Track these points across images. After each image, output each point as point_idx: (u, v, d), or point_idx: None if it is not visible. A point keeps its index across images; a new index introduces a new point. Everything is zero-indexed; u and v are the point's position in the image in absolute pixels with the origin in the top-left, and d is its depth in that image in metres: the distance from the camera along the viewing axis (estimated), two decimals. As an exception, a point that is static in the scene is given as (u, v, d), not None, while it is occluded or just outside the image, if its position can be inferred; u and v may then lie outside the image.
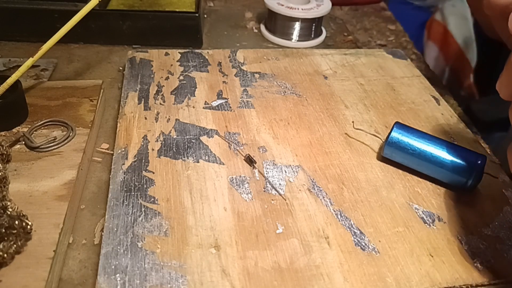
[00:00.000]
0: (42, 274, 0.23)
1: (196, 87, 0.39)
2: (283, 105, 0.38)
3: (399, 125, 0.31)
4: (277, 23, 0.51)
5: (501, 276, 0.25)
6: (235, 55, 0.44)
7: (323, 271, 0.24)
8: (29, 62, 0.32)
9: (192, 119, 0.35)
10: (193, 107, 0.36)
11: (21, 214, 0.24)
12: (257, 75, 0.41)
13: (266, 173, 0.31)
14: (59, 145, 0.31)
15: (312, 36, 0.52)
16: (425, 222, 0.28)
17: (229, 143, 0.33)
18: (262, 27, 0.53)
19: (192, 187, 0.29)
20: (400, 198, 0.30)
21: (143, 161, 0.31)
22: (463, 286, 0.25)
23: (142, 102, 0.36)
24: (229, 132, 0.34)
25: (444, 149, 0.30)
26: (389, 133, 0.31)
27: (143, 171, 0.30)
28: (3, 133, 0.32)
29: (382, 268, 0.25)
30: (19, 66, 0.33)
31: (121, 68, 0.44)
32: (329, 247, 0.26)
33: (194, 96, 0.38)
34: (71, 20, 0.33)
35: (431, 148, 0.30)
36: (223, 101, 0.37)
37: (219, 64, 0.43)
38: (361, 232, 0.27)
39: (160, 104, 0.36)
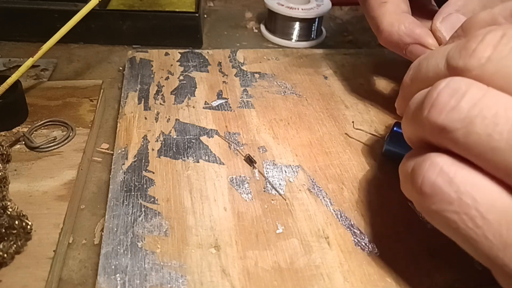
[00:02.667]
0: (42, 274, 0.23)
1: (196, 87, 0.39)
2: (283, 105, 0.38)
3: (399, 125, 0.31)
4: (277, 23, 0.51)
5: (501, 276, 0.25)
6: (235, 55, 0.44)
7: (323, 271, 0.24)
8: (29, 62, 0.32)
9: (192, 119, 0.35)
10: (193, 107, 0.36)
11: (21, 214, 0.24)
12: (257, 75, 0.41)
13: (266, 173, 0.31)
14: (59, 145, 0.31)
15: (312, 36, 0.52)
16: (425, 222, 0.28)
17: (229, 143, 0.33)
18: (262, 27, 0.53)
19: (192, 187, 0.29)
20: (400, 198, 0.30)
21: (143, 161, 0.31)
22: (463, 286, 0.25)
23: (142, 102, 0.36)
24: (229, 132, 0.34)
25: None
26: (389, 133, 0.31)
27: (143, 171, 0.30)
28: (3, 133, 0.32)
29: (382, 268, 0.25)
30: (19, 66, 0.33)
31: (121, 68, 0.44)
32: (329, 247, 0.26)
33: (194, 96, 0.38)
34: (71, 20, 0.33)
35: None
36: (223, 101, 0.37)
37: (219, 64, 0.43)
38: (361, 232, 0.27)
39: (160, 104, 0.36)
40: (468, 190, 0.17)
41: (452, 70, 0.19)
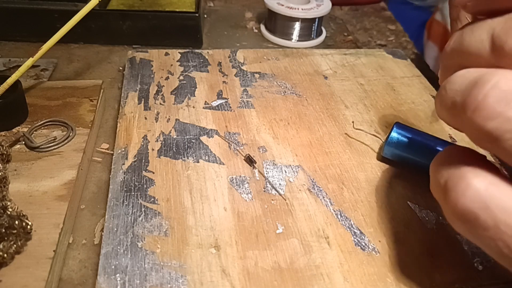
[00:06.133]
0: (42, 274, 0.23)
1: (196, 87, 0.39)
2: (283, 105, 0.38)
3: (399, 125, 0.31)
4: (277, 23, 0.51)
5: (501, 276, 0.25)
6: (235, 55, 0.44)
7: (323, 271, 0.24)
8: (29, 62, 0.32)
9: (192, 119, 0.35)
10: (193, 107, 0.36)
11: (21, 214, 0.24)
12: (257, 75, 0.41)
13: (266, 173, 0.31)
14: (59, 145, 0.31)
15: (312, 36, 0.52)
16: (425, 222, 0.28)
17: (229, 143, 0.33)
18: (262, 27, 0.53)
19: (192, 187, 0.29)
20: (400, 198, 0.30)
21: (143, 161, 0.31)
22: (463, 286, 0.25)
23: (142, 102, 0.36)
24: (229, 132, 0.34)
25: (444, 149, 0.30)
26: (389, 133, 0.31)
27: (143, 171, 0.30)
28: (3, 133, 0.32)
29: (382, 268, 0.25)
30: (19, 66, 0.33)
31: (121, 68, 0.44)
32: (329, 247, 0.26)
33: (194, 96, 0.38)
34: (71, 20, 0.33)
35: (431, 148, 0.30)
36: (223, 101, 0.37)
37: (219, 64, 0.43)
38: (361, 232, 0.27)
39: (160, 104, 0.36)
40: (506, 219, 0.16)
41: (497, 52, 0.17)
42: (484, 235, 0.17)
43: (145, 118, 0.35)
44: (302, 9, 0.49)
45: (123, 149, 0.31)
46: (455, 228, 0.19)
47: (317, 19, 0.50)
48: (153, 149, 0.32)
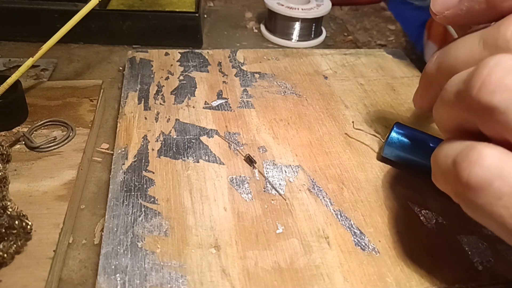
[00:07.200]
0: (42, 274, 0.23)
1: (196, 87, 0.39)
2: (283, 105, 0.38)
3: (399, 125, 0.31)
4: (277, 23, 0.51)
5: (501, 276, 0.25)
6: (235, 55, 0.44)
7: (323, 271, 0.24)
8: (29, 62, 0.32)
9: (192, 119, 0.35)
10: (193, 107, 0.36)
11: (21, 214, 0.24)
12: (257, 75, 0.41)
13: (266, 173, 0.31)
14: (59, 145, 0.31)
15: (312, 36, 0.52)
16: (425, 222, 0.28)
17: (229, 143, 0.33)
18: (262, 27, 0.53)
19: (192, 187, 0.29)
20: (400, 198, 0.30)
21: (143, 161, 0.31)
22: (463, 286, 0.25)
23: (142, 102, 0.36)
24: (229, 132, 0.34)
25: (444, 149, 0.30)
26: (389, 133, 0.31)
27: (143, 171, 0.30)
28: (3, 133, 0.32)
29: (382, 268, 0.25)
30: (19, 66, 0.33)
31: (121, 68, 0.44)
32: (329, 247, 0.26)
33: (194, 96, 0.38)
34: (71, 20, 0.33)
35: (432, 148, 0.30)
36: (223, 101, 0.37)
37: (219, 64, 0.43)
38: (361, 232, 0.27)
39: (160, 104, 0.36)
40: None
41: (493, 49, 0.18)
42: (498, 205, 0.17)
43: (145, 118, 0.35)
44: (302, 9, 0.49)
45: (123, 149, 0.31)
46: (466, 204, 0.19)
47: (317, 19, 0.50)
48: (153, 149, 0.32)
